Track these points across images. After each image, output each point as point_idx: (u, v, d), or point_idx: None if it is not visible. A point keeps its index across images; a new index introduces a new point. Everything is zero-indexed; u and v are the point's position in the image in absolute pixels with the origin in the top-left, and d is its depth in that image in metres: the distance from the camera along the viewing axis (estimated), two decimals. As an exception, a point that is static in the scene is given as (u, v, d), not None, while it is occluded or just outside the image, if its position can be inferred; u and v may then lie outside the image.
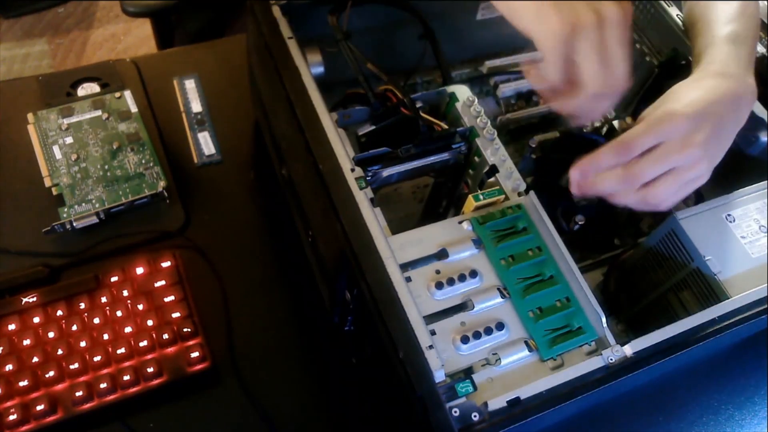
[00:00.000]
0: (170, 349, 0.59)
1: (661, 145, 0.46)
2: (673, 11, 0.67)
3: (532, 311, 0.45)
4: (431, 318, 0.44)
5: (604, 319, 0.44)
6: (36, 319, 0.58)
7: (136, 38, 1.78)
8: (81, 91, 0.74)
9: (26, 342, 0.57)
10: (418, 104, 0.54)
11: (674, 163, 0.46)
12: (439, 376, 0.41)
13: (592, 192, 0.47)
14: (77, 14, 1.80)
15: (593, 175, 0.47)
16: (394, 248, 0.45)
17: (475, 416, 0.40)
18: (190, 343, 0.59)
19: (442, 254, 0.46)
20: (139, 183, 0.68)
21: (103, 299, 0.60)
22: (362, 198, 0.47)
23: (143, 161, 0.69)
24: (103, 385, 0.56)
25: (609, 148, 0.46)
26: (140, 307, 0.60)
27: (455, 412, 0.40)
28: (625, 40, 0.45)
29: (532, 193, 0.49)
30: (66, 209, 0.65)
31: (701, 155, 0.46)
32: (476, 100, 0.54)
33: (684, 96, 0.48)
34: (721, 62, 0.51)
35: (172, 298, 0.61)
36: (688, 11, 0.60)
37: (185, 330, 0.59)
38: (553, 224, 0.48)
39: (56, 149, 0.69)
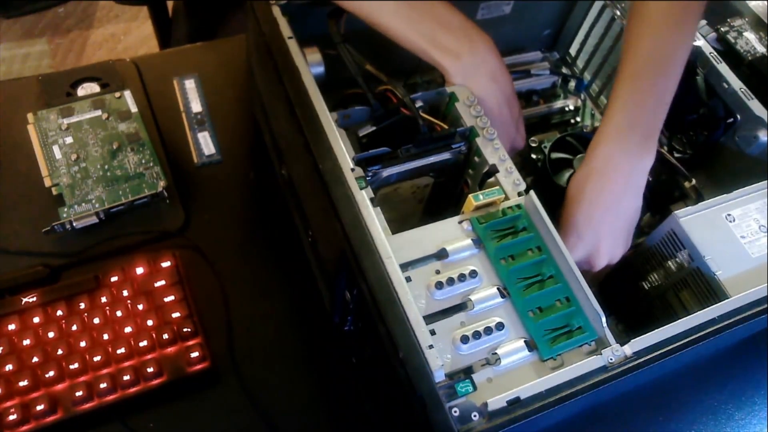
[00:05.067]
0: (170, 349, 0.59)
1: None
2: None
3: (532, 311, 0.45)
4: (431, 318, 0.44)
5: (604, 319, 0.44)
6: (36, 319, 0.58)
7: (136, 38, 1.78)
8: (81, 91, 0.74)
9: (26, 342, 0.57)
10: (418, 104, 0.54)
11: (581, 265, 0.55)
12: (439, 376, 0.40)
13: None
14: (77, 14, 1.80)
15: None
16: (394, 248, 0.45)
17: (475, 416, 0.40)
18: (190, 343, 0.59)
19: (442, 254, 0.46)
20: (139, 183, 0.68)
21: (103, 299, 0.60)
22: (362, 198, 0.47)
23: (143, 161, 0.69)
24: (103, 385, 0.56)
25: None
26: (140, 307, 0.60)
27: (455, 412, 0.40)
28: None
29: (532, 192, 0.49)
30: (66, 209, 0.65)
31: (583, 257, 0.55)
32: (476, 100, 0.54)
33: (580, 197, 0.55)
34: (596, 151, 0.56)
35: (172, 298, 0.61)
36: None
37: (185, 330, 0.59)
38: (552, 224, 0.48)
39: (56, 149, 0.69)
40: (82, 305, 0.59)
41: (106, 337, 0.58)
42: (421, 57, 0.56)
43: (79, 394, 0.55)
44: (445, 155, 0.54)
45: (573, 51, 0.80)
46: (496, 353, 0.43)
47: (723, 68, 0.62)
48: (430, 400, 0.40)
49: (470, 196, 0.48)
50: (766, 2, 0.66)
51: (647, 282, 0.58)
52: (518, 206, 0.49)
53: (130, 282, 0.61)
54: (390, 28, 0.55)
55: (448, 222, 0.48)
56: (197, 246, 0.67)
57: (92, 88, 0.75)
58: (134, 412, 0.57)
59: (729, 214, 0.52)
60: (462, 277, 0.45)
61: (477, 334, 0.43)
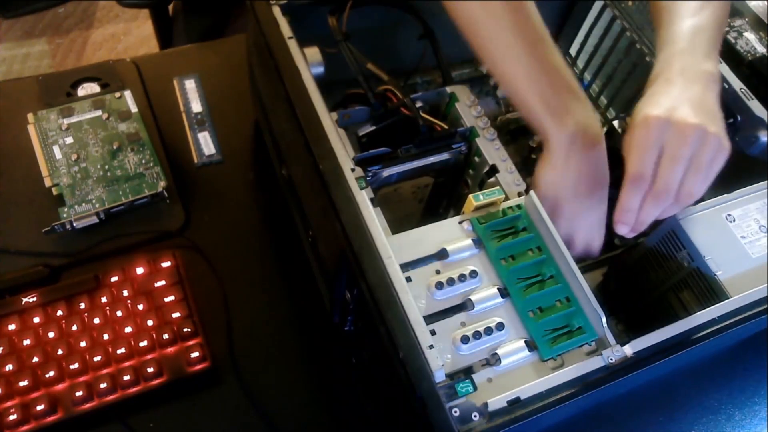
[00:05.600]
0: (170, 349, 0.59)
1: (664, 150, 0.46)
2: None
3: (532, 311, 0.45)
4: (431, 318, 0.44)
5: (604, 319, 0.44)
6: (36, 319, 0.58)
7: (136, 38, 1.78)
8: (81, 91, 0.74)
9: (26, 342, 0.57)
10: (418, 104, 0.54)
11: (687, 155, 0.46)
12: (439, 376, 0.40)
13: (644, 228, 0.48)
14: (77, 14, 1.80)
15: (635, 218, 0.48)
16: (394, 248, 0.45)
17: (475, 416, 0.40)
18: (190, 343, 0.59)
19: (442, 254, 0.46)
20: (139, 183, 0.68)
21: (103, 299, 0.60)
22: (362, 198, 0.47)
23: (143, 161, 0.69)
24: (103, 385, 0.56)
25: (627, 191, 0.47)
26: (140, 307, 0.60)
27: (455, 412, 0.40)
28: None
29: (532, 192, 0.49)
30: (66, 209, 0.65)
31: (702, 131, 0.46)
32: (476, 101, 0.54)
33: (655, 97, 0.48)
34: (681, 58, 0.50)
35: (172, 298, 0.61)
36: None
37: (185, 330, 0.59)
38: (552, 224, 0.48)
39: (56, 149, 0.69)
40: (82, 305, 0.59)
41: (106, 337, 0.58)
42: (523, 113, 0.50)
43: (79, 394, 0.55)
44: (445, 155, 0.54)
45: (573, 51, 0.80)
46: (496, 353, 0.43)
47: (723, 68, 0.62)
48: (430, 400, 0.40)
49: (470, 196, 0.48)
50: (766, 2, 0.66)
51: (647, 282, 0.57)
52: (518, 206, 0.49)
53: (130, 282, 0.61)
54: (505, 74, 0.50)
55: (448, 222, 0.48)
56: (197, 246, 0.67)
57: (92, 88, 0.75)
58: (134, 412, 0.57)
59: (729, 214, 0.52)
60: (462, 277, 0.45)
61: (477, 334, 0.43)
